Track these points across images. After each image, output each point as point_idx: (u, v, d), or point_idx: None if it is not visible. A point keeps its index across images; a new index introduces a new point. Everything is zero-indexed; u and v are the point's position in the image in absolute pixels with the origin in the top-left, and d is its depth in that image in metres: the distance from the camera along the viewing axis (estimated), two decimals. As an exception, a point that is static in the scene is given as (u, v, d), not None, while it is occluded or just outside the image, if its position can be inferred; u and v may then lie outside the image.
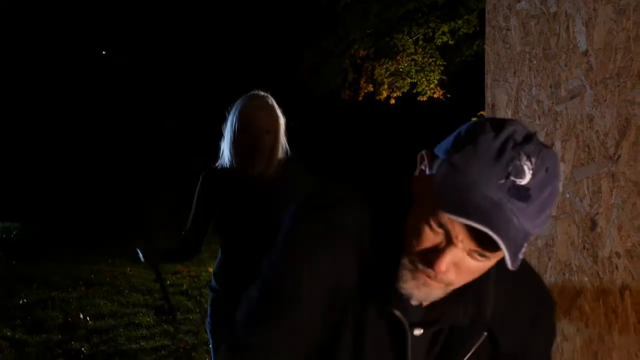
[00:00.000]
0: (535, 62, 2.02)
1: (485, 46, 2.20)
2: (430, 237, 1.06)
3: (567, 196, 1.91)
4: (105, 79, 18.61)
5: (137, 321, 6.38)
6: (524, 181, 0.99)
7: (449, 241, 1.05)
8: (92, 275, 8.13)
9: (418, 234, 1.07)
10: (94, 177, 16.97)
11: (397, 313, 1.15)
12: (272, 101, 2.86)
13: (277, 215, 2.61)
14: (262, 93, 2.90)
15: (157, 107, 19.73)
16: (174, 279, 8.08)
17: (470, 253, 1.05)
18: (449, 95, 14.26)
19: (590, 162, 1.85)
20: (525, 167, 0.99)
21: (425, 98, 13.91)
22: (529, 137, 1.02)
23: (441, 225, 1.04)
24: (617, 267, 1.78)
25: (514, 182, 0.98)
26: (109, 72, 18.59)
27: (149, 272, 8.36)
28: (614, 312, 1.79)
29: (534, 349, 1.24)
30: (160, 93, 19.48)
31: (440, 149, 1.09)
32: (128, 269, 8.50)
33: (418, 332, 1.19)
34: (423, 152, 1.12)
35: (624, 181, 1.77)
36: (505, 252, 0.97)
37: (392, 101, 13.81)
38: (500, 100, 2.13)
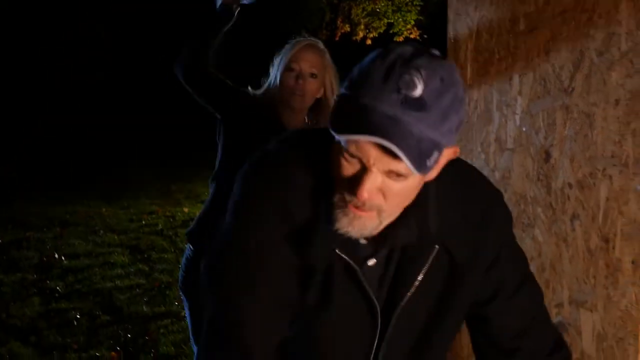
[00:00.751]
0: (495, -4, 2.03)
1: (447, -20, 2.21)
2: (348, 168, 1.10)
3: (524, 129, 1.95)
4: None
5: (112, 260, 6.42)
6: (416, 92, 1.01)
7: (364, 167, 1.08)
8: (68, 216, 8.13)
9: (338, 168, 1.11)
10: (69, 119, 16.78)
11: (342, 254, 1.19)
12: (322, 46, 2.72)
13: None
14: (315, 39, 2.78)
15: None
16: (149, 219, 8.10)
17: (387, 175, 1.08)
18: (425, 36, 14.22)
19: (545, 95, 1.88)
20: (416, 80, 1.01)
21: (402, 38, 13.86)
22: (418, 53, 1.05)
23: (352, 154, 1.07)
24: (568, 198, 1.82)
25: (406, 95, 1.01)
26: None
27: (125, 212, 8.39)
28: (564, 241, 1.84)
29: (489, 248, 1.27)
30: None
31: (342, 86, 1.12)
32: (103, 209, 8.51)
33: (371, 262, 1.23)
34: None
35: (577, 113, 1.80)
36: (405, 160, 1.01)
37: (369, 42, 13.76)
38: (461, 34, 2.15)
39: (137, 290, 5.70)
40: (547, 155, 1.88)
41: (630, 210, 1.68)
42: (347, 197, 1.11)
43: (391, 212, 1.14)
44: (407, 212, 1.18)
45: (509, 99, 1.99)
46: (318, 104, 2.67)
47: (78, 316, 5.10)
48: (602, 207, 1.74)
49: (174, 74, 2.72)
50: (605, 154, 1.73)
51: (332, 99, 2.62)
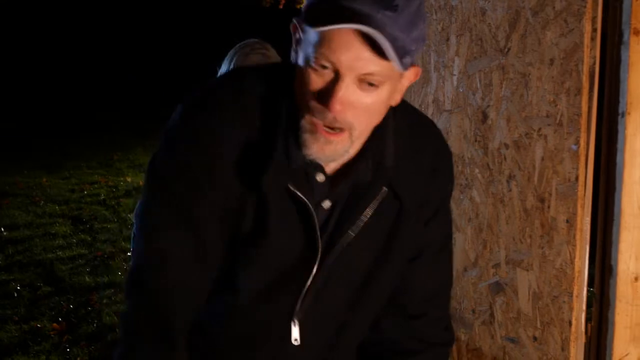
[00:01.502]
0: (432, -45, 2.01)
1: (384, -60, 2.18)
2: (317, 81, 1.06)
3: (461, 90, 1.94)
4: None
5: (53, 231, 6.30)
6: None
7: (336, 77, 1.05)
8: (7, 187, 7.94)
9: (306, 86, 1.08)
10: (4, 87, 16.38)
11: (300, 194, 1.15)
12: (272, 53, 2.63)
13: None
14: (259, 43, 2.64)
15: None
16: (91, 189, 7.97)
17: (360, 84, 1.05)
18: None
19: (482, 55, 1.87)
20: None
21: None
22: None
23: (323, 65, 1.05)
24: (505, 158, 1.83)
25: None
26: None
27: (66, 183, 8.23)
28: (501, 201, 1.85)
29: (433, 201, 1.25)
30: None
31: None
32: (44, 179, 8.34)
33: (327, 204, 1.19)
34: (294, 20, 1.12)
35: (513, 73, 1.80)
36: (387, 50, 1.00)
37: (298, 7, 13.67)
38: (398, -5, 2.12)
39: (80, 260, 5.61)
40: (484, 116, 1.88)
41: (565, 169, 1.69)
42: (317, 117, 1.07)
43: (361, 131, 1.11)
44: (367, 146, 1.15)
45: (446, 59, 1.98)
46: None
47: (18, 288, 5.00)
48: (537, 167, 1.75)
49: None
50: (540, 114, 1.73)
51: None
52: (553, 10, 1.69)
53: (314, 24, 1.03)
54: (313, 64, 1.05)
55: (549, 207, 1.73)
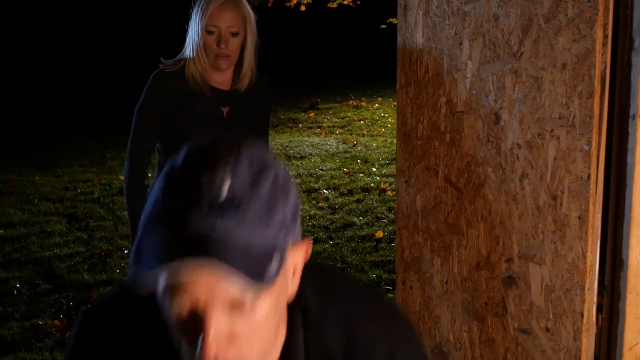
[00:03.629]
0: (445, -38, 2.09)
1: (397, -53, 2.26)
2: (184, 322, 0.90)
3: (474, 92, 2.02)
4: None
5: (49, 229, 6.33)
6: (222, 194, 0.85)
7: (200, 314, 0.88)
8: (0, 185, 7.96)
9: (175, 328, 0.92)
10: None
11: None
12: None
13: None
14: None
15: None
16: (84, 187, 7.99)
17: (231, 312, 0.89)
18: (358, 2, 14.26)
19: (495, 59, 1.96)
20: (218, 180, 0.86)
21: (335, 5, 13.87)
22: (201, 152, 0.90)
23: (182, 302, 0.89)
24: (518, 158, 1.91)
25: (210, 202, 0.84)
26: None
27: (59, 181, 8.25)
28: (514, 199, 1.93)
29: None
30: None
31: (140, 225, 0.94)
32: (37, 178, 8.35)
33: None
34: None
35: (525, 77, 1.88)
36: (237, 276, 0.83)
37: (303, 8, 13.71)
38: (411, 0, 2.20)
39: (77, 258, 5.65)
40: (497, 118, 1.96)
41: (577, 168, 1.78)
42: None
43: (256, 356, 0.93)
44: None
45: (459, 63, 2.07)
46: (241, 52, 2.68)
47: (18, 285, 5.04)
48: (550, 166, 1.84)
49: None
50: (553, 116, 1.82)
51: (252, 46, 2.66)
52: (565, 17, 1.78)
53: (149, 267, 0.85)
54: (171, 300, 0.89)
55: (561, 204, 1.82)
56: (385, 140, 10.57)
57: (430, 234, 2.20)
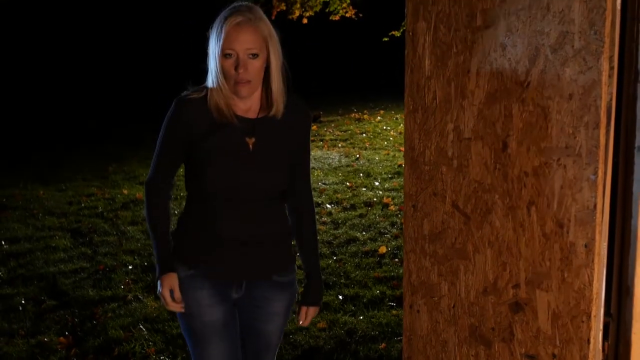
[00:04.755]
0: (452, -8, 2.12)
1: (405, -25, 2.29)
2: None
3: (481, 120, 2.05)
4: None
5: (53, 244, 6.37)
6: None
7: None
8: (4, 199, 7.99)
9: None
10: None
11: None
12: (259, 14, 2.44)
13: (270, 173, 2.50)
14: (246, 4, 2.46)
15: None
16: (88, 201, 8.02)
17: None
18: (360, 15, 14.32)
19: (502, 88, 1.99)
20: None
21: (337, 17, 13.93)
22: None
23: None
24: (525, 185, 1.94)
25: None
26: None
27: (63, 195, 8.28)
28: (521, 226, 1.96)
29: None
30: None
31: None
32: (41, 192, 8.39)
33: None
34: None
35: (532, 106, 1.91)
36: None
37: (305, 20, 13.77)
38: (419, 28, 2.23)
39: (82, 274, 5.68)
40: (504, 145, 1.99)
41: (584, 197, 1.81)
42: None
43: None
44: None
45: (466, 90, 2.10)
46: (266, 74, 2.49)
47: (23, 302, 5.07)
48: (556, 194, 1.87)
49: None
50: (559, 145, 1.85)
51: (277, 67, 2.48)
52: (572, 49, 1.81)
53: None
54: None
55: (568, 232, 1.85)
56: (388, 154, 10.61)
57: (438, 258, 2.22)
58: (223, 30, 2.37)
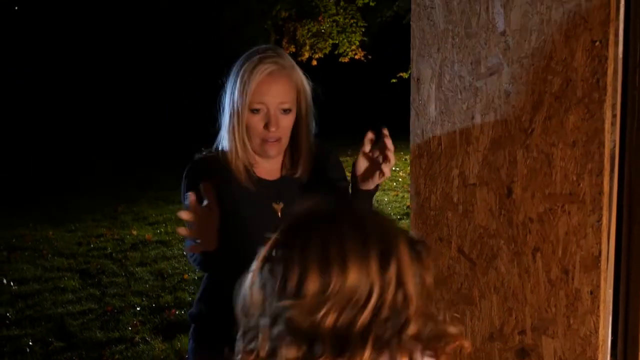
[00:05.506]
0: (457, 39, 2.16)
1: (411, 22, 2.32)
2: None
3: (486, 166, 2.07)
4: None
5: (62, 285, 6.37)
6: None
7: None
8: (14, 240, 8.02)
9: None
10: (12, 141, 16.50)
11: None
12: (291, 61, 2.16)
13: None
14: (272, 47, 2.19)
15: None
16: (97, 242, 8.04)
17: None
18: (369, 57, 14.46)
19: (507, 134, 2.01)
20: None
21: (347, 59, 14.07)
22: None
23: None
24: (530, 231, 1.95)
25: None
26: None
27: (72, 236, 8.30)
28: (526, 272, 1.96)
29: None
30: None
31: None
32: (50, 233, 8.41)
33: None
34: None
35: (536, 152, 1.93)
36: None
37: (315, 62, 13.92)
38: (424, 74, 2.26)
39: (90, 315, 5.68)
40: (509, 191, 2.00)
41: (588, 244, 1.81)
42: None
43: None
44: None
45: (471, 137, 2.12)
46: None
47: (31, 343, 5.06)
48: (561, 240, 1.87)
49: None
50: (564, 192, 1.86)
51: (308, 123, 2.23)
52: (575, 96, 1.83)
53: None
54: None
55: (573, 278, 1.85)
56: (397, 195, 10.61)
57: (444, 303, 2.22)
58: (251, 81, 2.05)
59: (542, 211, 1.92)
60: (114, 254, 7.44)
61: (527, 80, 1.96)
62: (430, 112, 2.25)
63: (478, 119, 2.10)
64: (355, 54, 13.91)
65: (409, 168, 11.67)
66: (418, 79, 2.30)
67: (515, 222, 1.99)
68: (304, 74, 2.21)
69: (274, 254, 1.11)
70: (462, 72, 2.15)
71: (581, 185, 1.82)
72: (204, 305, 2.28)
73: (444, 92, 2.20)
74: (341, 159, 2.54)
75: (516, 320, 2.00)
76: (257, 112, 2.09)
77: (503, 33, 2.02)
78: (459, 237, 2.17)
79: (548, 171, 1.90)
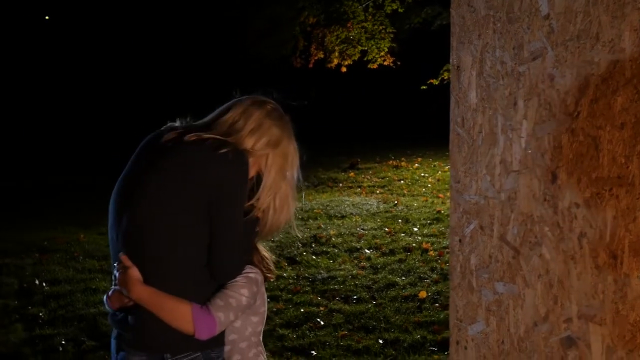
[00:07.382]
0: (499, 25, 2.13)
1: (450, 9, 2.30)
2: None
3: (529, 152, 2.03)
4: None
5: (93, 286, 6.41)
6: None
7: None
8: (45, 242, 8.08)
9: None
10: (39, 146, 16.66)
11: None
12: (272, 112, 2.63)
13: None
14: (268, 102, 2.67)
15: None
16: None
17: None
18: (398, 63, 14.43)
19: (551, 118, 1.97)
20: None
21: (375, 65, 14.04)
22: None
23: None
24: (575, 217, 1.91)
25: None
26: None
27: (103, 238, 8.34)
28: (572, 258, 1.92)
29: None
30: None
31: None
32: (81, 235, 8.47)
33: None
34: None
35: (582, 136, 1.89)
36: None
37: (344, 69, 13.91)
38: (465, 61, 2.23)
39: (122, 315, 5.67)
40: (554, 177, 1.97)
41: (637, 227, 1.77)
42: None
43: None
44: None
45: (514, 122, 2.08)
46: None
47: (63, 342, 5.09)
48: (609, 225, 1.83)
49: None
50: (611, 175, 1.82)
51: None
52: (623, 77, 1.79)
53: None
54: None
55: (621, 263, 1.81)
56: (426, 200, 10.55)
57: (485, 293, 2.19)
58: (296, 152, 2.57)
59: (589, 196, 1.88)
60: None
61: (572, 63, 1.92)
62: (471, 99, 2.23)
63: (521, 105, 2.06)
64: (384, 60, 13.87)
65: (438, 174, 11.60)
66: (458, 67, 2.27)
67: (560, 208, 1.96)
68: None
69: None
70: (504, 57, 2.12)
71: (630, 167, 1.78)
72: None
73: (485, 78, 2.17)
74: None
75: (562, 307, 1.96)
76: None
77: (547, 16, 1.99)
78: (502, 225, 2.13)
79: (595, 155, 1.86)
